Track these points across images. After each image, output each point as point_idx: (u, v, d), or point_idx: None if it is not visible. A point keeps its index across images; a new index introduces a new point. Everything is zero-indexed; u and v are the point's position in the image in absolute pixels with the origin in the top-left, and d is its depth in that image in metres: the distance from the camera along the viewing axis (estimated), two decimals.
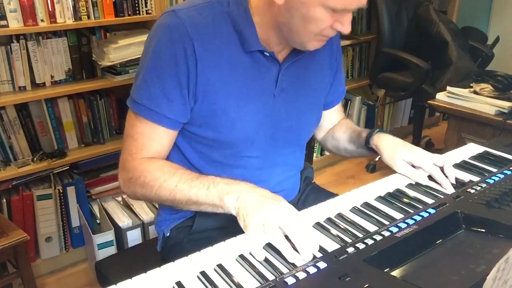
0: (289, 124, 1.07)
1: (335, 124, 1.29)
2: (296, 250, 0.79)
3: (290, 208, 0.85)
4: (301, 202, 1.21)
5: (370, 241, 0.81)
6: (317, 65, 1.10)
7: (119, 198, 2.13)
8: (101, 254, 1.88)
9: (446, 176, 1.04)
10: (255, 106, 1.01)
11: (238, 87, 0.98)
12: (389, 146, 1.12)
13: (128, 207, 2.08)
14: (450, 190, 1.00)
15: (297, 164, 1.18)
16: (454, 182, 1.03)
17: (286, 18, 0.92)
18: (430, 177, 1.05)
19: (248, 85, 0.99)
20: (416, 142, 3.01)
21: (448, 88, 1.98)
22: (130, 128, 1.00)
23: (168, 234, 1.13)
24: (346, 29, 0.91)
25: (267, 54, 0.99)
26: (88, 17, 1.88)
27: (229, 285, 0.73)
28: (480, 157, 1.19)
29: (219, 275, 0.75)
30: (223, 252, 0.81)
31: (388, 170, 1.09)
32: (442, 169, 1.05)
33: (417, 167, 1.07)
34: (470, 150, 1.24)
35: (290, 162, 1.13)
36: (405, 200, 0.98)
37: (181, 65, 0.93)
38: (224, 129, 0.99)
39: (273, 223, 0.82)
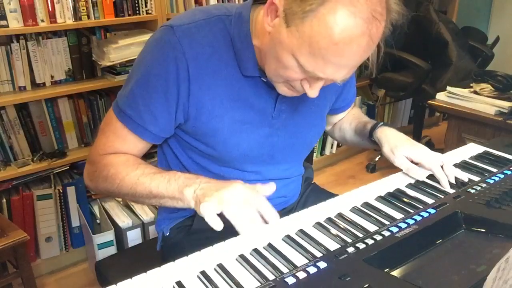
0: (287, 142, 1.05)
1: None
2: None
3: (246, 187, 0.86)
4: (301, 202, 1.21)
5: (370, 241, 0.81)
6: None
7: (119, 198, 2.13)
8: (101, 254, 1.88)
9: (446, 175, 1.04)
10: (251, 127, 0.98)
11: (234, 109, 0.96)
12: (391, 139, 1.11)
13: (128, 207, 2.08)
14: (447, 188, 1.01)
15: (296, 174, 1.16)
16: (454, 182, 1.03)
17: (267, 47, 0.86)
18: (430, 177, 1.05)
19: (244, 107, 0.97)
20: None
21: (448, 88, 1.98)
22: (105, 125, 0.99)
23: (167, 234, 1.13)
24: (312, 93, 0.84)
25: (264, 80, 0.95)
26: (88, 17, 1.88)
27: (229, 285, 0.73)
28: (480, 157, 1.19)
29: (219, 275, 0.75)
30: (223, 252, 0.81)
31: (388, 170, 1.09)
32: (441, 168, 1.05)
33: (418, 164, 1.07)
34: (470, 150, 1.24)
35: (289, 175, 1.12)
36: (405, 200, 0.98)
37: (172, 85, 0.91)
38: (217, 147, 0.98)
39: (227, 199, 0.82)
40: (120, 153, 0.98)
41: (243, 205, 0.83)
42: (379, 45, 0.82)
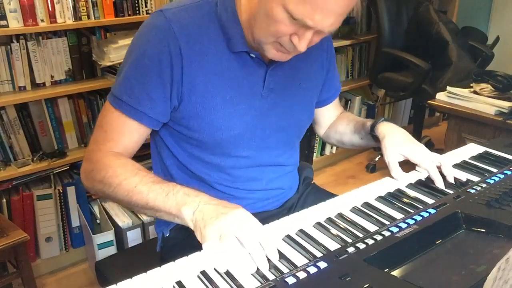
0: (278, 124, 1.06)
1: (335, 119, 1.29)
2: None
3: (247, 216, 0.81)
4: (301, 202, 1.21)
5: (370, 241, 0.81)
6: (307, 64, 1.09)
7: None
8: (101, 254, 1.88)
9: (444, 176, 1.04)
10: (242, 107, 1.00)
11: (225, 88, 0.98)
12: (391, 135, 1.11)
13: None
14: (442, 187, 1.02)
15: (290, 163, 1.16)
16: (453, 182, 1.04)
17: (257, 8, 0.89)
18: (430, 177, 1.05)
19: (234, 86, 0.98)
20: None
21: (448, 88, 1.98)
22: (102, 119, 0.98)
23: (167, 234, 1.13)
24: (301, 46, 0.86)
25: (253, 56, 0.98)
26: (88, 17, 1.88)
27: (229, 285, 0.73)
28: (480, 157, 1.19)
29: (219, 275, 0.75)
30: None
31: (388, 170, 1.09)
32: (439, 168, 1.05)
33: (418, 165, 1.08)
34: (470, 150, 1.24)
35: (282, 162, 1.12)
36: (405, 200, 0.98)
37: (165, 65, 0.93)
38: (210, 129, 0.98)
39: (229, 232, 0.78)
40: (120, 147, 0.97)
41: (241, 231, 0.79)
42: None
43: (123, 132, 0.97)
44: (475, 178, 1.06)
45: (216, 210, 0.82)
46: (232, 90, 0.98)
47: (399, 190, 1.03)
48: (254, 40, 0.94)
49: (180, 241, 1.09)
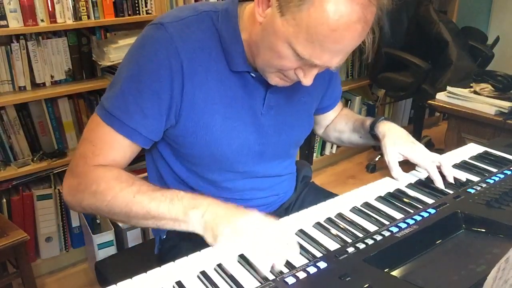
0: (276, 139, 1.04)
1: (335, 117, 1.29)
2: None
3: (268, 219, 0.81)
4: (299, 201, 1.20)
5: (370, 241, 0.81)
6: None
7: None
8: (101, 254, 1.88)
9: (444, 176, 1.04)
10: (241, 124, 0.97)
11: (224, 106, 0.95)
12: (392, 135, 1.11)
13: None
14: (441, 187, 1.02)
15: (287, 172, 1.15)
16: (453, 182, 1.04)
17: (259, 38, 0.85)
18: (429, 177, 1.05)
19: (234, 103, 0.96)
20: None
21: (448, 88, 1.98)
22: (90, 132, 0.93)
23: (164, 237, 1.12)
24: (306, 81, 0.85)
25: (254, 76, 0.95)
26: (88, 17, 1.87)
27: (229, 285, 0.73)
28: (480, 157, 1.19)
29: (219, 275, 0.75)
30: (223, 252, 0.81)
31: (388, 170, 1.09)
32: (438, 168, 1.05)
33: (418, 165, 1.07)
34: (470, 150, 1.24)
35: (279, 172, 1.11)
36: (405, 200, 0.98)
37: (165, 82, 0.89)
38: (206, 146, 0.96)
39: (248, 232, 0.78)
40: (110, 162, 0.91)
41: (258, 235, 0.78)
42: (374, 30, 0.83)
43: (114, 146, 0.91)
44: (475, 178, 1.06)
45: (229, 212, 0.81)
46: (231, 108, 0.96)
47: (399, 190, 1.03)
48: (256, 66, 0.91)
49: (178, 242, 1.09)
